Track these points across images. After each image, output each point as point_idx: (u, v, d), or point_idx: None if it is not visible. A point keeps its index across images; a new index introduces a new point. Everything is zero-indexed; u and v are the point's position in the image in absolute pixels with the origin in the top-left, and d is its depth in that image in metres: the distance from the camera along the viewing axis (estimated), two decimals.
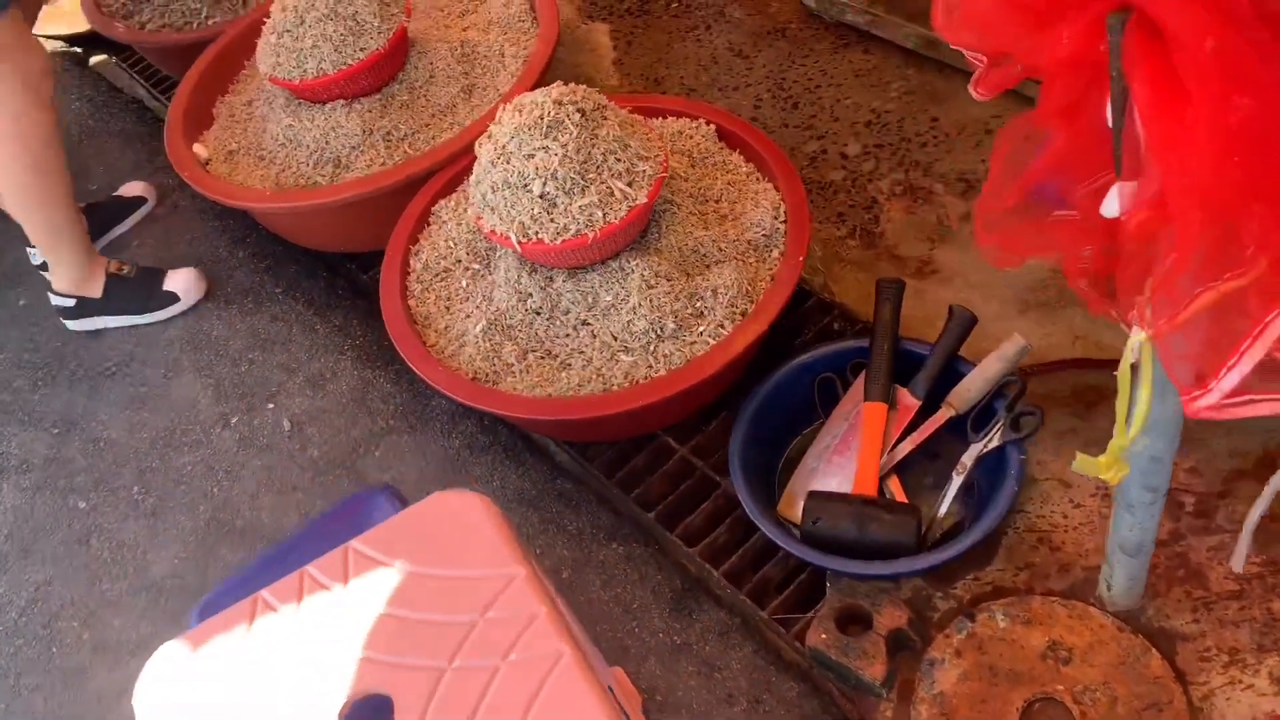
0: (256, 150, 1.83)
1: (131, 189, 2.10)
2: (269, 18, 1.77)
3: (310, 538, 1.30)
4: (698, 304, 1.42)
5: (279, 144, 1.79)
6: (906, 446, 1.38)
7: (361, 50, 1.71)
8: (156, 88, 2.43)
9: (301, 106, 1.79)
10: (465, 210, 1.60)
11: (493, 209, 1.41)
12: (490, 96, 1.79)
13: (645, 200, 1.38)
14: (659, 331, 1.40)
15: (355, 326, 1.78)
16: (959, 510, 1.33)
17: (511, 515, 1.48)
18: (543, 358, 1.44)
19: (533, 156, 1.37)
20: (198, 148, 1.84)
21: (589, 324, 1.44)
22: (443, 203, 1.64)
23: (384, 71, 1.77)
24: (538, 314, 1.46)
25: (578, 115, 1.37)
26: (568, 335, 1.44)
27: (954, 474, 1.34)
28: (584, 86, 1.41)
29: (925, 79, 1.93)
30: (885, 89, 1.94)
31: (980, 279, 1.63)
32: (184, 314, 1.85)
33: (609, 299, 1.43)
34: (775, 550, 1.41)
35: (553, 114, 1.36)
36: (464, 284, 1.54)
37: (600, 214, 1.36)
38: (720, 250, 1.48)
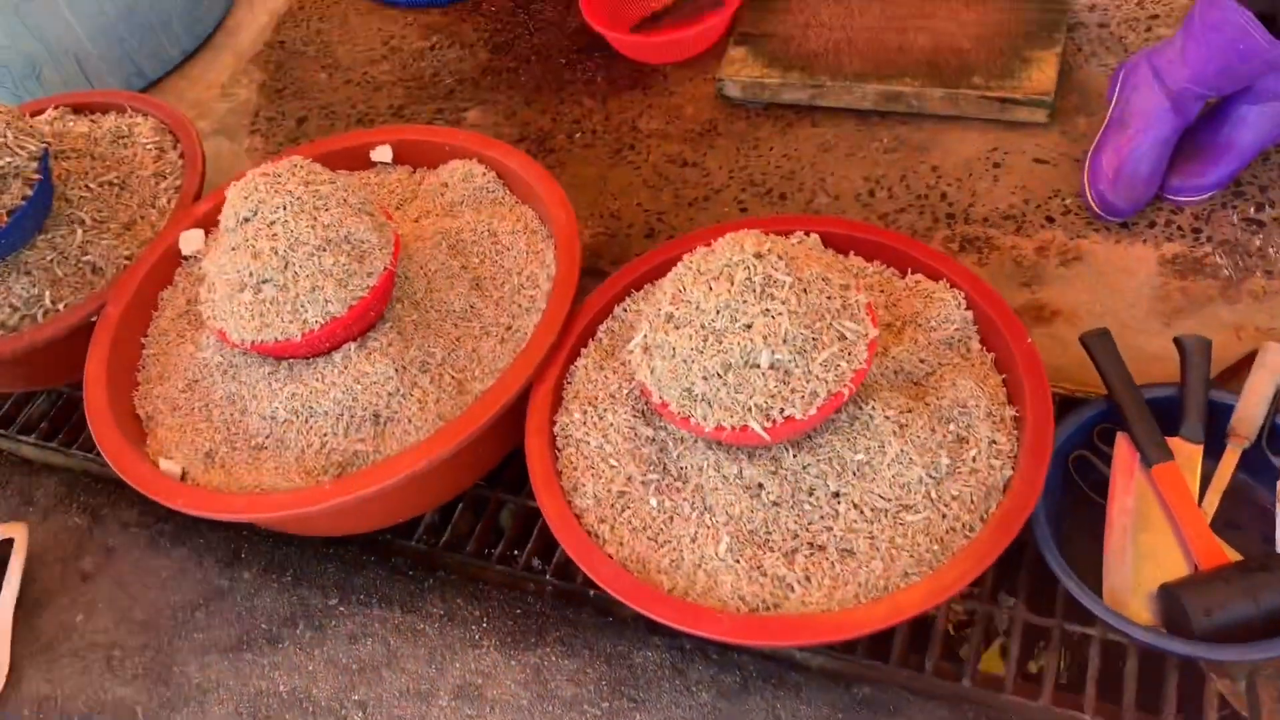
0: (245, 440, 1.41)
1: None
2: (213, 274, 1.37)
3: None
4: (951, 427, 1.23)
5: (281, 422, 1.39)
6: (1213, 496, 1.26)
7: (370, 276, 1.36)
8: None
9: (297, 367, 1.40)
10: (599, 418, 1.30)
11: (710, 402, 1.15)
12: (513, 283, 1.49)
13: (875, 330, 1.18)
14: (934, 474, 1.20)
15: (466, 609, 1.38)
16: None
17: None
18: (812, 555, 1.18)
19: (751, 326, 1.12)
20: (164, 464, 1.38)
21: (842, 494, 1.20)
22: (563, 420, 1.33)
23: (389, 294, 1.42)
24: (778, 505, 1.21)
25: (781, 263, 1.14)
26: (824, 517, 1.20)
27: (1278, 504, 1.24)
28: (754, 231, 1.18)
29: (897, 134, 1.85)
30: (863, 155, 1.84)
31: (1103, 308, 1.56)
32: (233, 674, 1.35)
33: (860, 457, 1.20)
34: (1115, 662, 1.25)
35: (759, 270, 1.13)
36: (653, 504, 1.24)
37: (845, 364, 1.14)
38: (922, 362, 1.30)
